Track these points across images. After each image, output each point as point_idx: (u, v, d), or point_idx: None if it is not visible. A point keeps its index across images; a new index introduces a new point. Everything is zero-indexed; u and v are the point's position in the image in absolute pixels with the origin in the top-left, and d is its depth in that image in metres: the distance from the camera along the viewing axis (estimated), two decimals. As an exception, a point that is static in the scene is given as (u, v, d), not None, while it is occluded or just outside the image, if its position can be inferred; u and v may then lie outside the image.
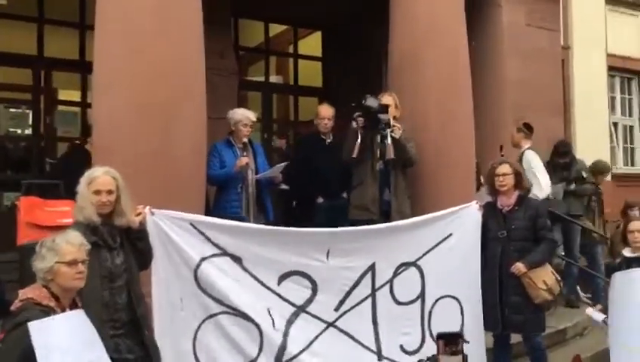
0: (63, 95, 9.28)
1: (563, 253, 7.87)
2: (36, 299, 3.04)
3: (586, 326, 7.31)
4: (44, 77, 8.55)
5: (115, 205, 3.66)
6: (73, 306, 3.17)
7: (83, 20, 8.42)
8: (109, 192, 3.64)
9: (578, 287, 8.18)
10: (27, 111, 8.92)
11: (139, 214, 3.82)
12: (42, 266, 3.10)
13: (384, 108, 5.55)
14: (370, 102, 5.51)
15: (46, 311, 3.01)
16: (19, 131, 9.45)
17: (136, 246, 3.81)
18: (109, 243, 3.65)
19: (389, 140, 5.43)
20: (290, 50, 10.78)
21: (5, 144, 9.03)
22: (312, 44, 10.82)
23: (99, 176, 3.65)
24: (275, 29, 10.50)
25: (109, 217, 3.68)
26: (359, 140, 5.55)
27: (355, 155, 5.59)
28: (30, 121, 8.78)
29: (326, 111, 6.35)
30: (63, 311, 3.09)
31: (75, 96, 9.03)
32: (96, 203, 3.61)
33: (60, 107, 9.09)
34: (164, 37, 4.98)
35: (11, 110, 9.34)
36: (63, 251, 3.13)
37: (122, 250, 3.71)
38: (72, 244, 3.17)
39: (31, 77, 8.54)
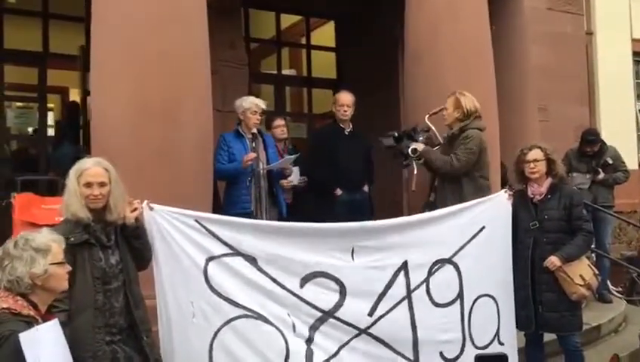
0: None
1: (593, 245, 7.47)
2: (13, 309, 2.71)
3: (621, 323, 7.01)
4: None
5: (108, 199, 3.36)
6: (47, 314, 2.88)
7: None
8: (102, 185, 3.34)
9: (608, 281, 7.86)
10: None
11: (135, 210, 3.51)
12: (35, 270, 2.77)
13: (401, 138, 5.31)
14: (386, 141, 5.33)
15: (28, 322, 2.69)
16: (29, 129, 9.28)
17: (133, 244, 3.50)
18: (103, 242, 3.35)
19: (415, 170, 5.26)
20: (303, 41, 10.50)
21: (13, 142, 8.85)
22: (325, 34, 10.53)
23: (89, 168, 3.35)
24: (287, 20, 10.23)
25: (101, 213, 3.37)
26: (415, 171, 5.30)
27: (414, 188, 5.34)
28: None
29: (345, 97, 6.06)
30: (43, 320, 2.79)
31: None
32: (87, 197, 3.31)
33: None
34: (165, 26, 4.75)
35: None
36: (55, 251, 2.87)
37: (117, 248, 3.41)
38: (59, 243, 2.92)
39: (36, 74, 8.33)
